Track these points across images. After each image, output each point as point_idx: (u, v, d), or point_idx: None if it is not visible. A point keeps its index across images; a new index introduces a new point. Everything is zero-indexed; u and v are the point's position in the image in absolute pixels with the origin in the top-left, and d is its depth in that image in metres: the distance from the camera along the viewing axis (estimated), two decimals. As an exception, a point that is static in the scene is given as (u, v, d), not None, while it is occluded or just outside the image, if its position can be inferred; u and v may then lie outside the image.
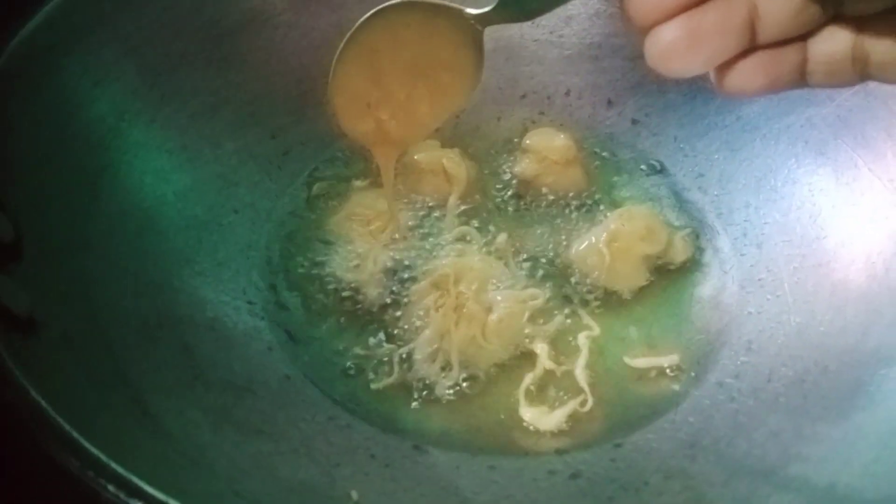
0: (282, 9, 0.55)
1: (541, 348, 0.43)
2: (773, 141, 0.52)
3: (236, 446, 0.34)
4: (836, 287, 0.44)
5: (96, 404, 0.28)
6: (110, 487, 0.25)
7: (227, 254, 0.48)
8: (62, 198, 0.40)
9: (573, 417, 0.41)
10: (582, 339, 0.44)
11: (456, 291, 0.43)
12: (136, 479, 0.25)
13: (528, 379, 0.43)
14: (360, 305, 0.46)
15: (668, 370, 0.43)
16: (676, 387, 0.42)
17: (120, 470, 0.25)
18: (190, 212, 0.48)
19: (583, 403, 0.41)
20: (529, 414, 0.41)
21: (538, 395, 0.42)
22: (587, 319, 0.45)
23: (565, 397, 0.42)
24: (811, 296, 0.45)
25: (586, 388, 0.42)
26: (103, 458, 0.25)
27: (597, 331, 0.45)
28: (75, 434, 0.26)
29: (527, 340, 0.44)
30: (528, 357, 0.44)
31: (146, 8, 0.49)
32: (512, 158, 0.54)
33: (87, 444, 0.26)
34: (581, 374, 0.42)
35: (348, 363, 0.44)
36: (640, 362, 0.43)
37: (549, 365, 0.43)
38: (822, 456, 0.34)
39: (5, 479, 0.30)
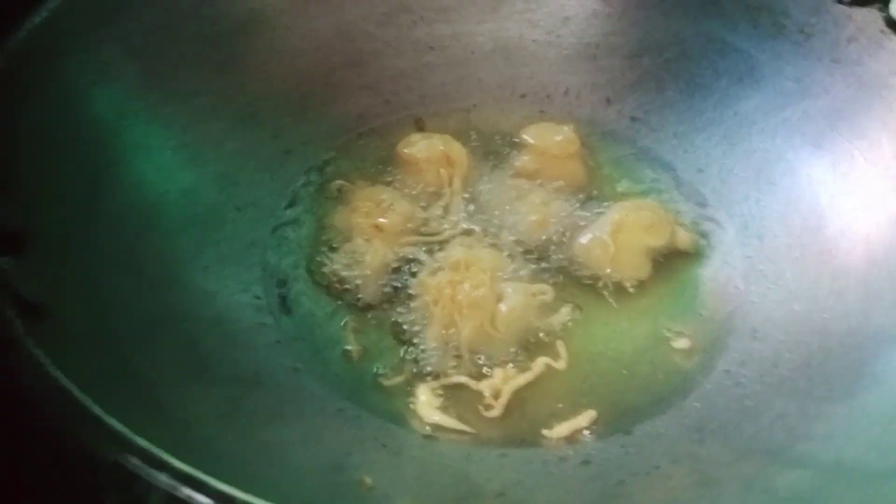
0: (280, 11, 0.56)
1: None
2: (771, 134, 0.53)
3: (246, 436, 0.34)
4: (837, 273, 0.45)
5: (105, 394, 0.28)
6: (134, 460, 0.24)
7: (230, 250, 0.48)
8: (66, 193, 0.40)
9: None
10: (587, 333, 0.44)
11: (464, 278, 0.43)
12: (159, 452, 0.25)
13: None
14: (366, 300, 0.46)
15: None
16: (684, 375, 0.42)
17: (144, 443, 0.25)
18: (193, 210, 0.48)
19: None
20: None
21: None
22: (593, 312, 0.45)
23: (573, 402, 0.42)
24: (813, 283, 0.45)
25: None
26: (126, 431, 0.25)
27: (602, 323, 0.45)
28: (98, 409, 0.26)
29: (537, 332, 0.44)
30: (538, 348, 0.44)
31: (145, 9, 0.49)
32: (513, 153, 0.55)
33: (109, 419, 0.26)
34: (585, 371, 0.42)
35: (355, 357, 0.44)
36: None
37: (560, 365, 0.43)
38: (827, 434, 0.34)
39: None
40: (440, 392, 0.41)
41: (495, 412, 0.40)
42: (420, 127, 0.57)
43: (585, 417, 0.40)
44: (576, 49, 0.60)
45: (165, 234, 0.45)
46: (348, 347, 0.44)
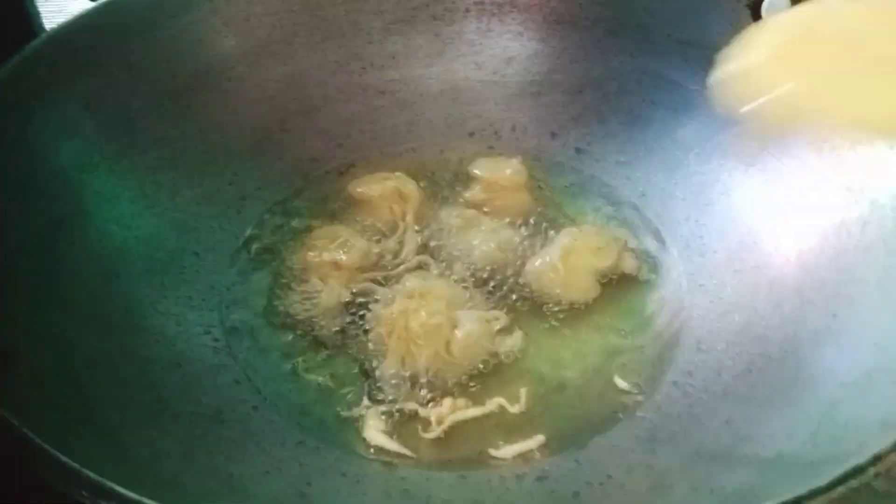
0: (234, 62, 0.58)
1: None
2: (707, 158, 0.56)
3: (208, 471, 0.35)
4: (774, 284, 0.47)
5: (67, 436, 0.29)
6: (84, 493, 0.25)
7: (189, 294, 0.49)
8: (29, 243, 0.41)
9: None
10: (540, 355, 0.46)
11: (419, 307, 0.44)
12: (122, 490, 0.25)
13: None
14: (323, 335, 0.47)
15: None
16: (634, 389, 0.44)
17: (106, 482, 0.26)
18: (152, 256, 0.49)
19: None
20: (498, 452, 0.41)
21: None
22: (544, 334, 0.47)
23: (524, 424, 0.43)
24: (751, 295, 0.47)
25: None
26: (88, 472, 0.26)
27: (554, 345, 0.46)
28: (58, 453, 0.27)
29: (490, 357, 0.45)
30: (493, 375, 0.45)
31: (104, 66, 0.51)
32: (461, 186, 0.57)
33: (64, 458, 0.26)
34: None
35: (315, 393, 0.44)
36: (504, 452, 0.41)
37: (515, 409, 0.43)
38: (769, 434, 0.36)
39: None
40: (388, 417, 0.42)
41: (433, 434, 0.41)
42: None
43: (535, 441, 0.41)
44: (520, 87, 0.63)
45: (126, 280, 0.46)
46: (308, 384, 0.45)
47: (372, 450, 0.41)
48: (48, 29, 0.61)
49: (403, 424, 0.42)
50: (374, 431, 0.42)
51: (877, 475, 0.26)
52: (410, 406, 0.43)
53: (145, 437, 0.36)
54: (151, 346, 0.43)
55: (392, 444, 0.41)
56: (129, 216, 0.49)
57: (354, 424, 0.43)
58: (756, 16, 0.54)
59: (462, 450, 0.41)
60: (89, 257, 0.45)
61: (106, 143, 0.50)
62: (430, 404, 0.43)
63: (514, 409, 0.43)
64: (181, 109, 0.55)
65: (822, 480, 0.26)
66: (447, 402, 0.43)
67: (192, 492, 0.28)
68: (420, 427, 0.42)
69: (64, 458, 0.27)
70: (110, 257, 0.46)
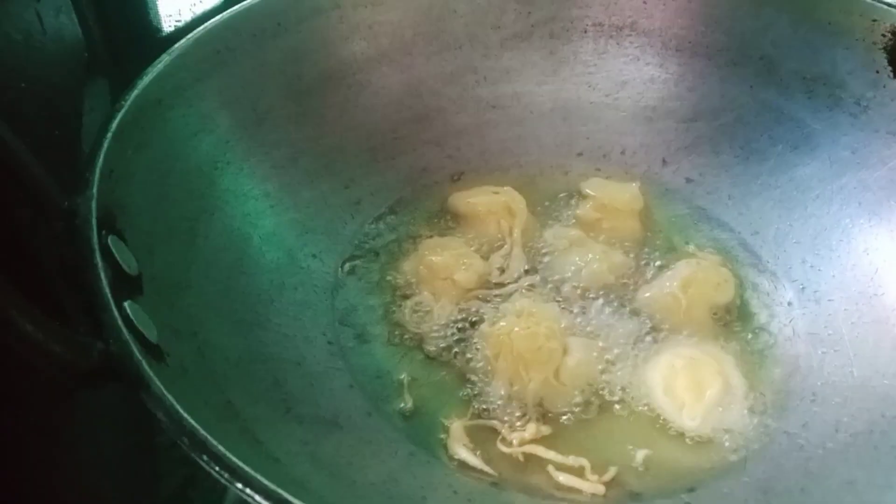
0: (356, 69, 0.59)
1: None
2: (827, 201, 0.54)
3: (333, 476, 0.36)
4: (897, 343, 0.46)
5: (215, 429, 0.30)
6: (238, 485, 0.26)
7: (306, 295, 0.50)
8: (168, 240, 0.43)
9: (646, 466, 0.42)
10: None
11: (529, 330, 0.44)
12: (264, 480, 0.27)
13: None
14: (432, 350, 0.48)
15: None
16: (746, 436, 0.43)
17: (249, 470, 0.27)
18: (272, 255, 0.51)
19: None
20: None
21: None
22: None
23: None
24: (872, 350, 0.46)
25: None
26: (232, 458, 0.27)
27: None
28: (221, 448, 0.28)
29: (601, 387, 0.45)
30: (602, 404, 0.45)
31: (238, 67, 0.52)
32: (572, 204, 0.57)
33: (219, 446, 0.28)
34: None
35: (422, 406, 0.45)
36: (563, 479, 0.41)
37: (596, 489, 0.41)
38: (899, 503, 0.35)
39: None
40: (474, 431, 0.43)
41: (507, 450, 0.42)
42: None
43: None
44: (632, 111, 0.63)
45: (249, 278, 0.48)
46: (415, 395, 0.46)
47: (455, 463, 0.42)
48: (163, 17, 0.64)
49: (486, 441, 0.43)
50: (457, 445, 0.42)
51: None
52: (491, 423, 0.43)
53: (276, 435, 0.37)
54: (272, 344, 0.45)
55: (472, 459, 0.42)
56: (253, 214, 0.51)
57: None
58: (894, 60, 0.53)
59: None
60: (219, 253, 0.47)
61: (237, 142, 0.51)
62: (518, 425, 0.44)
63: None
64: (304, 111, 0.56)
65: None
66: (531, 426, 0.43)
67: (325, 498, 0.29)
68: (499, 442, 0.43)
69: (223, 451, 0.28)
70: (238, 254, 0.48)
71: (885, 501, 0.36)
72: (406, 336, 0.49)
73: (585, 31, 0.63)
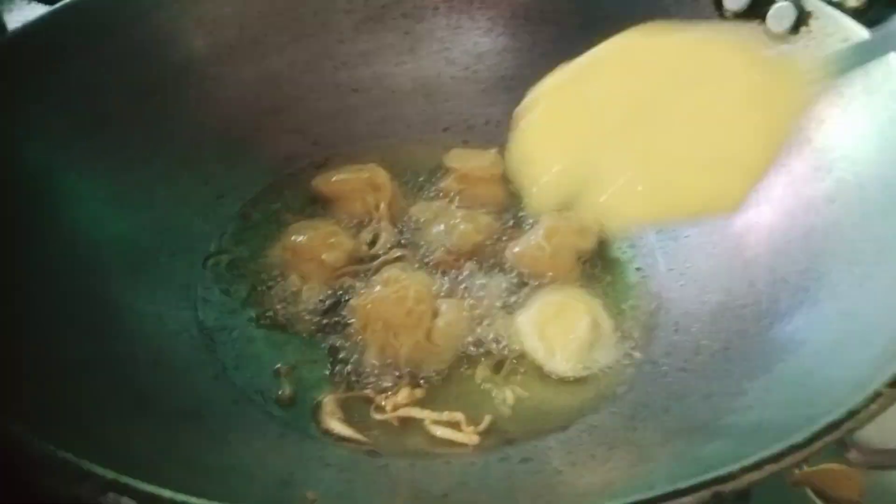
0: (206, 62, 0.58)
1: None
2: (676, 144, 0.56)
3: (187, 465, 0.34)
4: (748, 265, 0.48)
5: (51, 430, 0.28)
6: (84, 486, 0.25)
7: (165, 294, 0.48)
8: (2, 241, 0.40)
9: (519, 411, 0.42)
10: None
11: (397, 296, 0.44)
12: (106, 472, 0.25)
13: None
14: (302, 331, 0.47)
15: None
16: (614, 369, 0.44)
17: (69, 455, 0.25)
18: (125, 257, 0.48)
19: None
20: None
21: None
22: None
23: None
24: (725, 276, 0.48)
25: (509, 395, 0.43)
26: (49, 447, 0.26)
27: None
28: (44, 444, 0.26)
29: (474, 342, 0.45)
30: (472, 360, 0.45)
31: (70, 67, 0.50)
32: (437, 178, 0.57)
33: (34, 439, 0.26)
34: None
35: (293, 387, 0.44)
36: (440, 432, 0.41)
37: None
38: (747, 405, 0.37)
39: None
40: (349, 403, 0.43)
41: (381, 417, 0.42)
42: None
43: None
44: (492, 82, 0.64)
45: (102, 279, 0.45)
46: (287, 377, 0.44)
47: (330, 437, 0.41)
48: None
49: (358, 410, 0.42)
50: (329, 418, 0.42)
51: (850, 431, 0.27)
52: (364, 393, 0.43)
53: (125, 433, 0.35)
54: (126, 344, 0.43)
55: (346, 430, 0.41)
56: (101, 217, 0.49)
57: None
58: (718, 3, 0.55)
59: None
60: (62, 256, 0.44)
61: (75, 145, 0.49)
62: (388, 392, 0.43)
63: (469, 432, 0.41)
64: (152, 109, 0.54)
65: (800, 437, 0.26)
66: (404, 391, 0.43)
67: (173, 483, 0.28)
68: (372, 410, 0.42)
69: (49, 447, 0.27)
70: (83, 256, 0.46)
71: (736, 405, 0.37)
72: (276, 321, 0.48)
73: (437, 8, 0.64)
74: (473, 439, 0.40)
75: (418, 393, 0.43)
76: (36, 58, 0.48)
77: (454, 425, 0.41)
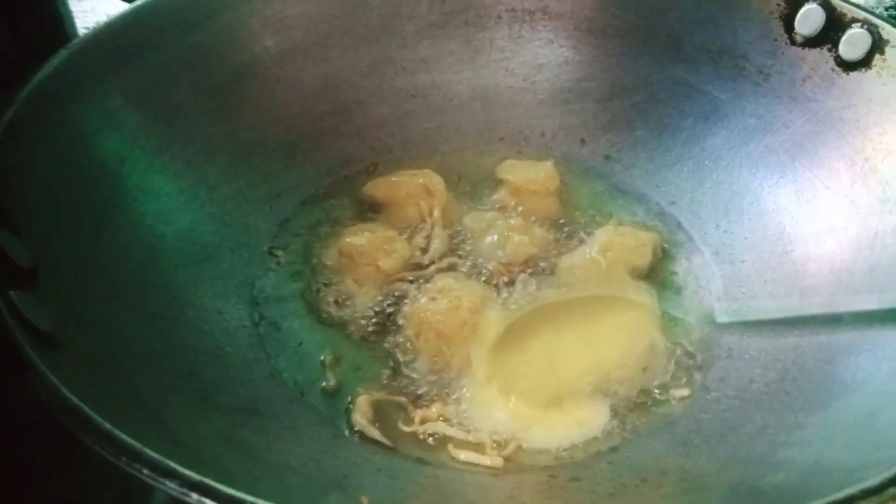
0: (270, 63, 0.59)
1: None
2: (737, 167, 0.56)
3: (248, 459, 0.35)
4: (805, 294, 0.47)
5: (117, 416, 0.29)
6: (145, 471, 0.26)
7: (224, 289, 0.49)
8: (71, 232, 0.41)
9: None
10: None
11: (450, 307, 0.44)
12: (170, 462, 0.26)
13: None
14: (356, 335, 0.48)
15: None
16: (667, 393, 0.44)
17: (153, 455, 0.26)
18: (188, 250, 0.49)
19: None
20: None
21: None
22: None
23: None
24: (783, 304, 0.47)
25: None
26: (136, 445, 0.26)
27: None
28: (108, 426, 0.27)
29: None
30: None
31: (145, 63, 0.51)
32: (492, 189, 0.57)
33: (120, 434, 0.27)
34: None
35: (338, 382, 0.45)
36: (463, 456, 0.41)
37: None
38: (806, 440, 0.36)
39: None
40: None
41: (408, 429, 0.42)
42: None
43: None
44: (550, 94, 0.64)
45: (163, 271, 0.47)
46: (340, 380, 0.45)
47: (356, 431, 0.41)
48: (80, 28, 0.63)
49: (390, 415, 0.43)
50: (360, 417, 0.42)
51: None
52: (398, 399, 0.43)
53: (188, 423, 0.36)
54: (188, 337, 0.44)
55: (373, 431, 0.41)
56: (166, 211, 0.50)
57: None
58: (789, 27, 0.55)
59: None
60: (128, 247, 0.45)
61: (146, 139, 0.50)
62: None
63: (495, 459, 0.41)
64: (218, 107, 0.55)
65: (874, 481, 0.26)
66: (435, 406, 0.43)
67: (232, 476, 0.29)
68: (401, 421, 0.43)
69: (115, 432, 0.27)
70: (147, 250, 0.47)
71: (793, 439, 0.37)
72: (330, 323, 0.49)
73: (499, 18, 0.64)
74: (497, 462, 0.40)
75: (451, 410, 0.43)
76: (116, 52, 0.49)
77: (479, 447, 0.41)
